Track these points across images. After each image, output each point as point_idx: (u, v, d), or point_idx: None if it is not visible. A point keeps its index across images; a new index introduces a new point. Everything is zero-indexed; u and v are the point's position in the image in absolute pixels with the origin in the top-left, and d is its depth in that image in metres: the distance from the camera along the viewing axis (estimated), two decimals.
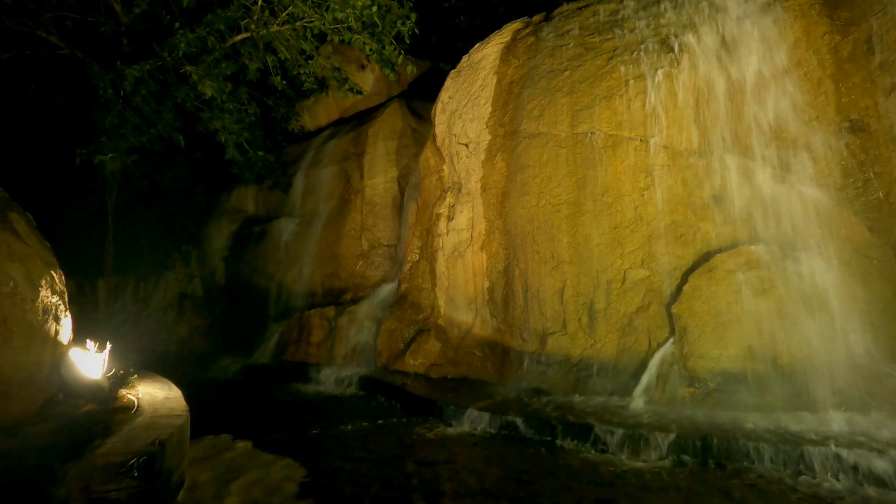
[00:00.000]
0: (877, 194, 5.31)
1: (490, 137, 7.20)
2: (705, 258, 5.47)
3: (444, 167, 7.87)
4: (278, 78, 9.11)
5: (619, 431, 4.42)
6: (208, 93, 8.07)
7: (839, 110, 5.48)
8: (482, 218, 7.17)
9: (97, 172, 9.35)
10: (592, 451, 4.41)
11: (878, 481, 3.55)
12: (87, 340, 4.70)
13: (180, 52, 7.82)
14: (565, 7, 7.36)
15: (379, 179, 9.65)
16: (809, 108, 5.54)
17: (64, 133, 10.15)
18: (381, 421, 5.61)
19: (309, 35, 8.59)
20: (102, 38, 9.15)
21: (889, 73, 5.33)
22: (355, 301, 8.95)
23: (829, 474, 3.69)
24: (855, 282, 4.90)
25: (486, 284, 7.05)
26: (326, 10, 8.12)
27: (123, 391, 4.53)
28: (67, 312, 4.41)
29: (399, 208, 9.52)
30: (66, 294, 4.43)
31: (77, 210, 10.75)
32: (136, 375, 4.97)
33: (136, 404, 4.15)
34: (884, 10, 5.37)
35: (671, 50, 5.94)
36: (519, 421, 4.95)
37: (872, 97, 5.39)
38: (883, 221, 5.26)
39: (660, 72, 5.87)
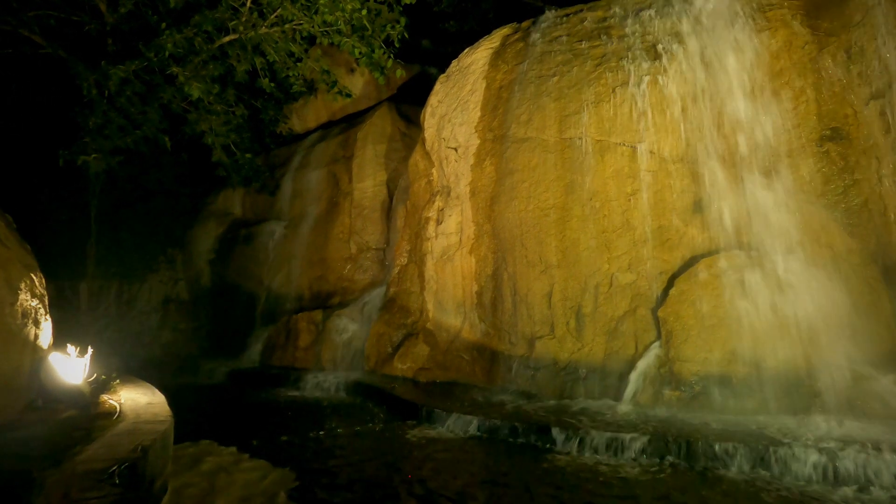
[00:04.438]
0: (857, 201, 5.43)
1: (479, 142, 7.23)
2: (691, 263, 5.54)
3: (434, 171, 7.88)
4: (266, 80, 9.05)
5: (605, 435, 4.44)
6: (195, 94, 7.98)
7: (820, 118, 5.60)
8: (471, 222, 7.18)
9: (80, 174, 9.19)
10: (578, 455, 4.42)
11: (860, 482, 3.61)
12: (68, 345, 4.60)
13: (167, 53, 7.73)
14: (554, 13, 7.43)
15: (368, 183, 9.63)
16: (791, 115, 5.66)
17: (47, 133, 9.97)
18: (368, 425, 5.58)
19: (298, 37, 8.55)
20: (87, 38, 9.02)
21: (867, 82, 5.47)
22: (343, 305, 8.90)
23: (810, 477, 3.74)
24: (836, 286, 5.00)
25: (475, 288, 7.06)
26: (315, 12, 8.09)
27: (105, 396, 4.44)
28: (48, 316, 4.32)
29: (388, 212, 9.51)
30: (47, 297, 4.34)
31: (59, 212, 10.55)
32: (118, 380, 4.88)
33: (118, 410, 4.07)
34: (863, 22, 5.52)
35: (657, 57, 6.03)
36: (505, 425, 4.95)
37: (852, 106, 5.53)
38: (863, 227, 5.39)
39: (646, 79, 5.95)
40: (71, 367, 4.42)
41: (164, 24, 7.92)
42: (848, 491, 3.57)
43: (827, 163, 5.53)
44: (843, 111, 5.55)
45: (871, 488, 3.55)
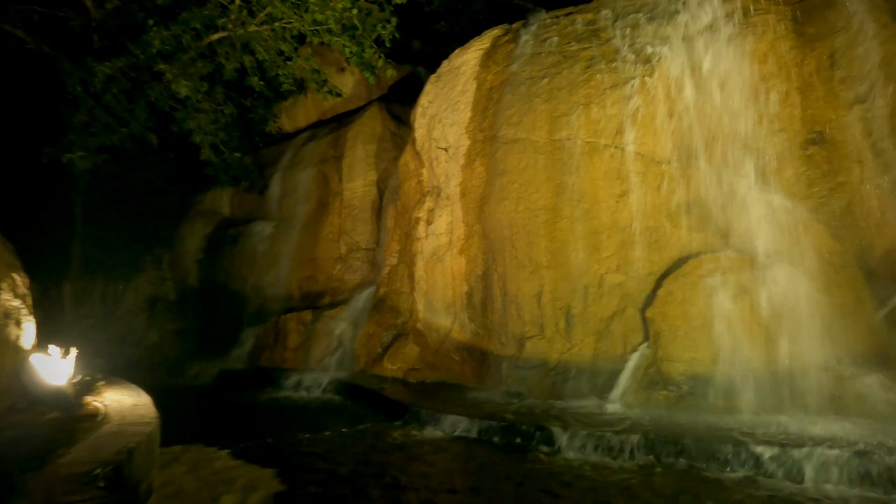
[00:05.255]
0: (840, 204, 5.53)
1: (469, 142, 7.24)
2: (678, 264, 5.59)
3: (424, 171, 7.87)
4: (256, 78, 8.97)
5: (593, 435, 4.46)
6: (183, 92, 7.89)
7: (805, 122, 5.69)
8: (461, 222, 7.19)
9: (65, 172, 9.04)
10: (565, 455, 4.44)
11: (837, 481, 3.66)
12: (51, 346, 4.53)
13: (154, 50, 7.63)
14: (544, 15, 7.46)
15: (358, 183, 9.60)
16: (777, 119, 5.74)
17: (31, 130, 9.80)
18: (358, 426, 5.55)
19: (288, 36, 8.48)
20: (72, 34, 8.87)
21: (850, 87, 5.57)
22: (333, 305, 8.86)
23: (789, 475, 3.79)
24: (819, 287, 5.07)
25: (465, 289, 7.06)
26: (306, 11, 8.03)
27: (89, 398, 4.37)
28: (31, 316, 4.25)
29: (378, 212, 9.48)
30: (30, 297, 4.27)
31: (43, 210, 10.38)
32: (103, 382, 4.81)
33: (102, 411, 4.01)
34: (846, 28, 5.62)
35: (646, 60, 6.08)
36: (494, 425, 4.96)
37: (835, 110, 5.62)
38: (845, 230, 5.48)
39: (635, 81, 6.00)
40: (54, 369, 4.35)
41: (151, 21, 7.81)
42: (830, 488, 3.63)
43: (811, 166, 5.62)
44: (827, 115, 5.64)
45: (857, 487, 3.60)
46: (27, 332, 4.17)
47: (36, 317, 4.36)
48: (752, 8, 5.97)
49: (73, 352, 4.60)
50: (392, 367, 7.17)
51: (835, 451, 3.77)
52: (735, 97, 5.82)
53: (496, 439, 4.88)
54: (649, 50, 6.13)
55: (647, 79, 5.98)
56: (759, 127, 5.73)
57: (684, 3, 6.25)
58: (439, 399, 6.15)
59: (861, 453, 3.70)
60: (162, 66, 7.81)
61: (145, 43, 7.60)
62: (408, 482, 3.97)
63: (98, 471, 2.70)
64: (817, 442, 3.95)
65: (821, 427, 4.32)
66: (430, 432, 5.21)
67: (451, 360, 7.02)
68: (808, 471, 3.76)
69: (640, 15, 6.51)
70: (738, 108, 5.79)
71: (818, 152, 5.62)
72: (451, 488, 3.87)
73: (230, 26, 8.05)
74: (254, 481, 3.90)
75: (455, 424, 5.16)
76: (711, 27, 6.04)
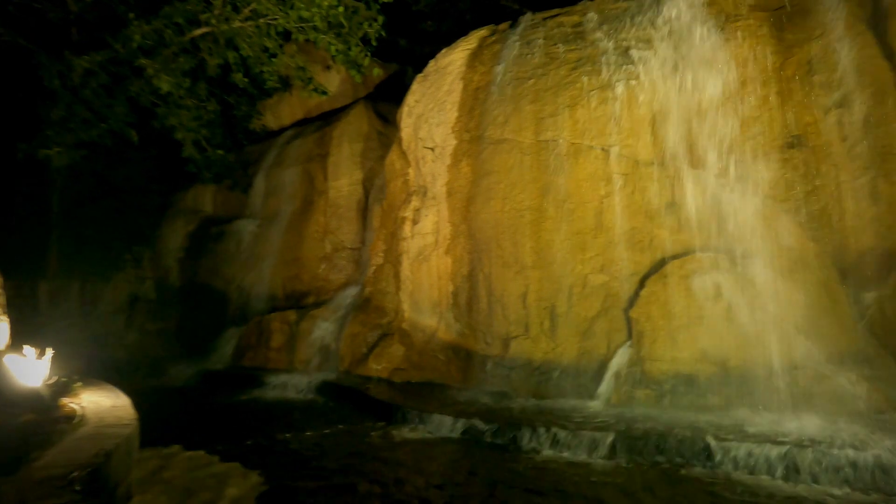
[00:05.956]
0: (816, 206, 5.66)
1: (456, 142, 7.25)
2: (661, 264, 5.67)
3: (410, 171, 7.86)
4: (240, 75, 8.86)
5: (575, 434, 4.50)
6: (164, 87, 7.76)
7: (783, 126, 5.81)
8: (447, 222, 7.19)
9: (42, 168, 8.83)
10: (548, 453, 4.47)
11: (811, 478, 3.75)
12: (26, 346, 4.41)
13: (135, 45, 7.49)
14: (531, 17, 7.50)
15: (343, 181, 9.54)
16: (756, 122, 5.85)
17: (6, 125, 9.54)
18: (342, 426, 5.52)
19: (273, 33, 8.40)
20: (50, 27, 8.67)
21: (828, 92, 5.70)
22: (318, 305, 8.79)
23: (769, 473, 3.87)
24: (797, 288, 5.19)
25: (451, 288, 7.06)
26: (291, 7, 7.96)
27: (66, 400, 4.27)
28: (4, 316, 4.13)
29: (364, 211, 9.44)
30: (4, 296, 4.16)
31: (18, 208, 10.12)
32: (80, 383, 4.70)
33: (79, 413, 3.92)
34: (823, 35, 5.75)
35: (631, 63, 6.15)
36: (478, 425, 4.97)
37: (813, 115, 5.75)
38: (822, 231, 5.62)
39: (620, 83, 6.07)
40: (29, 370, 4.24)
41: (131, 15, 7.67)
42: (802, 486, 3.71)
43: (790, 169, 5.74)
44: (805, 119, 5.77)
45: (833, 484, 3.69)
46: (1, 331, 4.06)
47: (10, 316, 4.24)
48: (733, 13, 6.08)
49: (49, 352, 4.49)
50: (377, 367, 7.14)
51: (812, 449, 3.84)
52: (716, 100, 5.91)
53: (479, 439, 4.88)
54: (634, 53, 6.20)
55: (631, 81, 6.05)
56: (740, 130, 5.84)
57: (668, 8, 6.33)
58: (424, 399, 6.14)
59: (840, 451, 3.77)
60: (143, 61, 7.68)
61: (126, 37, 7.47)
62: (390, 482, 3.96)
63: (74, 474, 2.64)
64: (796, 440, 4.04)
65: (800, 425, 4.41)
66: (414, 432, 5.20)
67: (437, 360, 7.02)
68: (788, 469, 3.83)
69: (625, 18, 6.58)
70: (719, 111, 5.89)
71: (796, 155, 5.75)
72: (434, 486, 3.87)
73: (214, 21, 7.94)
74: (235, 482, 3.86)
75: (439, 424, 5.15)
76: (694, 31, 6.14)
